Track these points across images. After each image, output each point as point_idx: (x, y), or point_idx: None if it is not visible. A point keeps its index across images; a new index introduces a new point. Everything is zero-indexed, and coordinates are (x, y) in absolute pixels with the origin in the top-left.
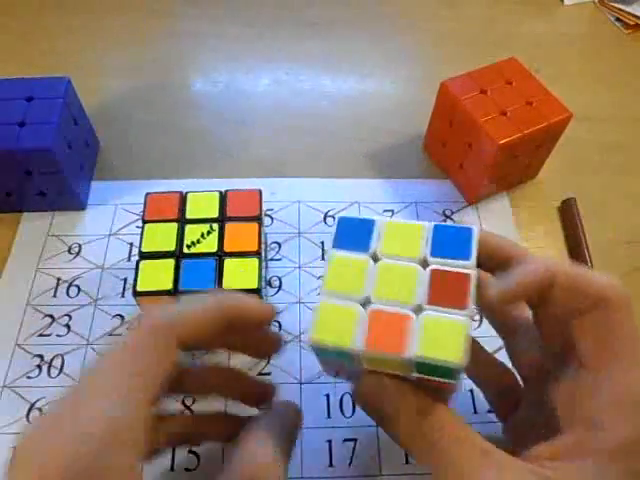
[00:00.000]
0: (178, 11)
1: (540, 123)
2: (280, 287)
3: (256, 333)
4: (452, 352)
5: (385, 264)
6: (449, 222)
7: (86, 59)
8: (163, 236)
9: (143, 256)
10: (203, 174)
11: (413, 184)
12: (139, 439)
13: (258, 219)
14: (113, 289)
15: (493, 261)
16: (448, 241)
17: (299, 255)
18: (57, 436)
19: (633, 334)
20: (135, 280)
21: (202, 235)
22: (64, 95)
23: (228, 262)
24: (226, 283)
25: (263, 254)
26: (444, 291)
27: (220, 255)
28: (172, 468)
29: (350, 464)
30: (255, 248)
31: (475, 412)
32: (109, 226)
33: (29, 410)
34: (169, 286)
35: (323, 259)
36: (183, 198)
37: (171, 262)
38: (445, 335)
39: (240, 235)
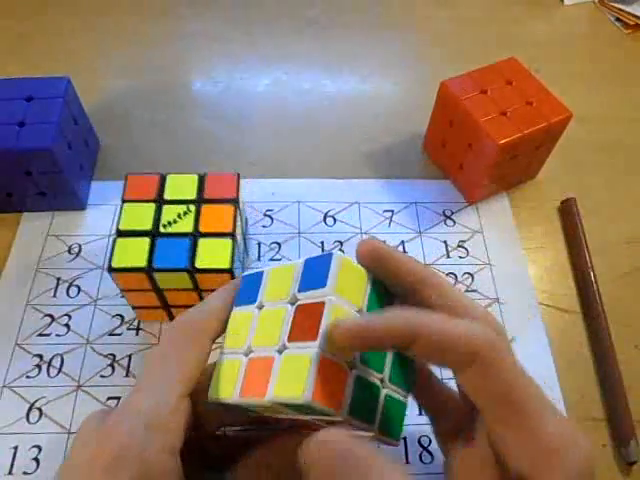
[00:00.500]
0: (178, 11)
1: (540, 123)
2: None
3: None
4: (298, 388)
5: (264, 311)
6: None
7: (86, 59)
8: (141, 215)
9: (120, 234)
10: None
11: (413, 184)
12: (178, 426)
13: (235, 201)
14: (113, 289)
15: (407, 284)
16: (313, 273)
17: (299, 255)
18: (118, 423)
19: (517, 382)
20: (111, 257)
21: (179, 215)
22: (64, 95)
23: (202, 242)
24: (199, 262)
25: (240, 236)
26: (302, 325)
27: (195, 235)
28: None
29: None
30: (229, 229)
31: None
32: (109, 226)
33: (29, 410)
34: (143, 263)
35: None
36: (162, 179)
37: (146, 241)
38: (295, 371)
39: (216, 217)
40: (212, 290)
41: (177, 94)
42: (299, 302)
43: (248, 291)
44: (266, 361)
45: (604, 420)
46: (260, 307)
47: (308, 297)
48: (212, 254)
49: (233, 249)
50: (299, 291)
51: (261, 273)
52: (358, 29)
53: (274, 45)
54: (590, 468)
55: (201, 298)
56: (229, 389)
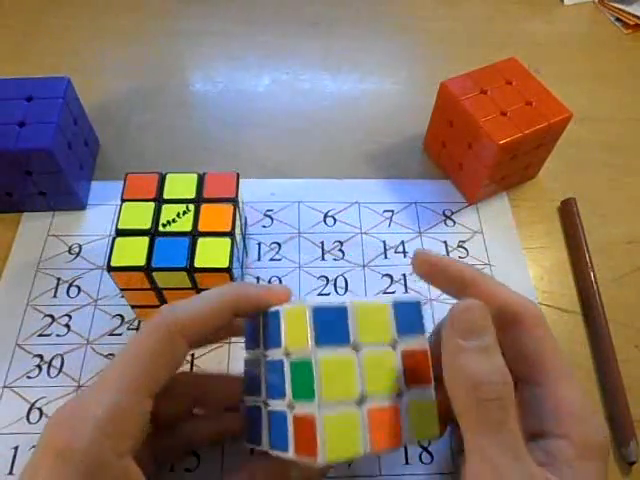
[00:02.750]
0: (178, 11)
1: (540, 123)
2: None
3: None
4: (431, 428)
5: (369, 354)
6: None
7: (86, 59)
8: (140, 215)
9: (119, 233)
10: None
11: (413, 184)
12: (136, 425)
13: (234, 201)
14: (113, 289)
15: (454, 286)
16: (406, 318)
17: (299, 255)
18: (71, 417)
19: (551, 348)
20: (110, 256)
21: (178, 215)
22: (64, 95)
23: (201, 241)
24: (198, 262)
25: (239, 236)
26: (412, 371)
27: (194, 234)
28: (172, 469)
29: (350, 465)
30: (228, 229)
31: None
32: (109, 226)
33: (29, 410)
34: (142, 262)
35: (323, 259)
36: (162, 179)
37: (145, 240)
38: (424, 415)
39: (215, 216)
40: None
41: (177, 94)
42: (402, 347)
43: (330, 327)
44: (390, 410)
45: (604, 420)
46: (356, 349)
47: (408, 343)
48: (211, 253)
49: (232, 248)
50: (398, 336)
51: (344, 309)
52: (358, 29)
53: (274, 45)
54: (605, 444)
55: None
56: (353, 446)
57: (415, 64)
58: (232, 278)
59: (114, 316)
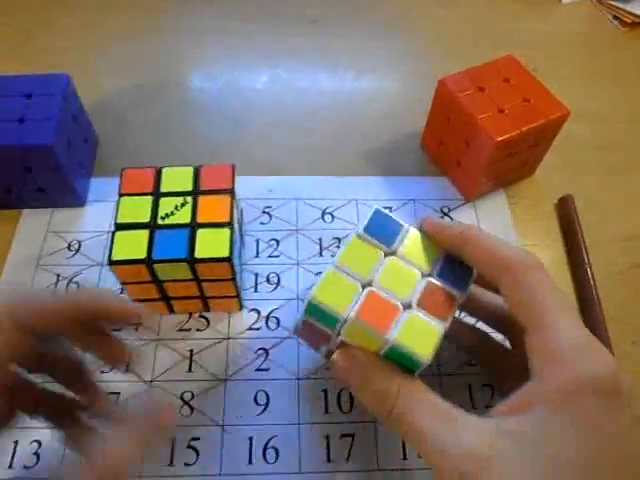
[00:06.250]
0: (176, 8)
1: (537, 120)
2: (278, 283)
3: (109, 339)
4: (423, 349)
5: (395, 261)
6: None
7: (85, 56)
8: (138, 208)
9: (118, 227)
10: None
11: (411, 181)
12: None
13: (230, 192)
14: (113, 285)
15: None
16: (454, 272)
17: (297, 252)
18: None
19: (547, 293)
20: (110, 250)
21: (176, 207)
22: (64, 92)
23: (200, 232)
24: (198, 252)
25: (236, 226)
26: (433, 301)
27: (193, 226)
28: (171, 462)
29: (348, 459)
30: (227, 219)
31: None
32: (108, 223)
33: None
34: (143, 255)
35: (321, 256)
36: (158, 172)
37: (145, 233)
38: (422, 334)
39: (213, 207)
40: (211, 280)
41: (176, 91)
42: (431, 280)
43: (382, 229)
44: (389, 304)
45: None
46: (388, 254)
47: (443, 285)
48: (211, 244)
49: (232, 238)
50: (437, 276)
51: (401, 225)
52: (357, 26)
53: (273, 43)
54: (608, 384)
55: (200, 289)
56: (342, 304)
57: (413, 62)
58: (232, 268)
59: None
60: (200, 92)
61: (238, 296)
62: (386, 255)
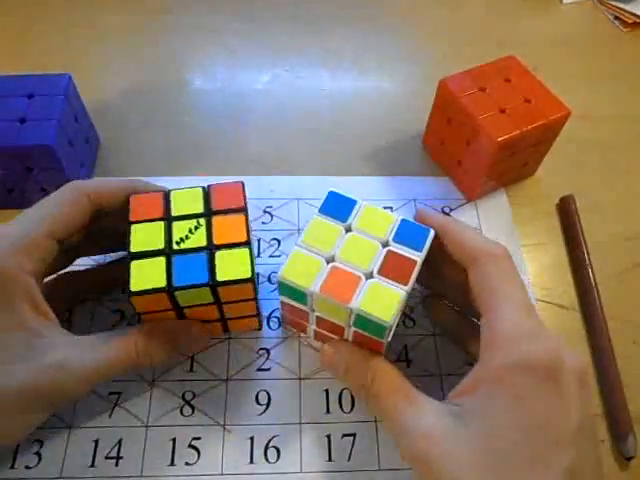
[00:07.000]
0: (177, 8)
1: (538, 120)
2: None
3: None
4: (385, 313)
5: (355, 235)
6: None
7: (86, 57)
8: (151, 235)
9: (133, 256)
10: (203, 171)
11: (412, 181)
12: (38, 256)
13: (244, 210)
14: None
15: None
16: (409, 234)
17: None
18: None
19: (503, 283)
20: (128, 281)
21: (190, 231)
22: (65, 92)
23: (219, 254)
24: (220, 275)
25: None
26: (393, 268)
27: (210, 248)
28: (172, 462)
29: (349, 459)
30: (244, 238)
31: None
32: None
33: None
34: (163, 283)
35: None
36: (166, 196)
37: (162, 260)
38: (384, 299)
39: (228, 227)
40: (233, 302)
41: (176, 91)
42: (391, 248)
43: (337, 208)
44: (351, 276)
45: (602, 415)
46: (348, 229)
47: (401, 249)
48: (231, 265)
49: (252, 257)
50: (393, 240)
51: (354, 202)
52: (357, 26)
53: (273, 42)
54: (544, 367)
55: (221, 311)
56: (307, 280)
57: (414, 62)
58: (255, 288)
59: (114, 312)
60: (201, 92)
61: (258, 315)
62: (347, 231)
